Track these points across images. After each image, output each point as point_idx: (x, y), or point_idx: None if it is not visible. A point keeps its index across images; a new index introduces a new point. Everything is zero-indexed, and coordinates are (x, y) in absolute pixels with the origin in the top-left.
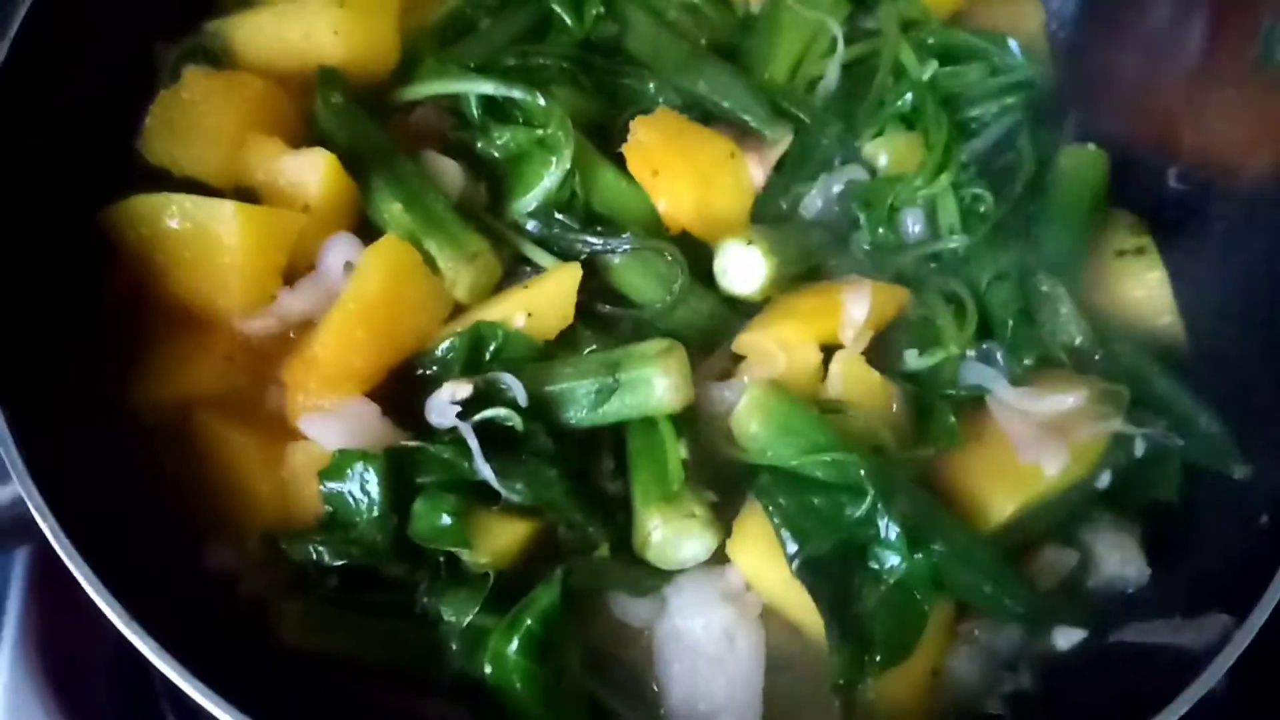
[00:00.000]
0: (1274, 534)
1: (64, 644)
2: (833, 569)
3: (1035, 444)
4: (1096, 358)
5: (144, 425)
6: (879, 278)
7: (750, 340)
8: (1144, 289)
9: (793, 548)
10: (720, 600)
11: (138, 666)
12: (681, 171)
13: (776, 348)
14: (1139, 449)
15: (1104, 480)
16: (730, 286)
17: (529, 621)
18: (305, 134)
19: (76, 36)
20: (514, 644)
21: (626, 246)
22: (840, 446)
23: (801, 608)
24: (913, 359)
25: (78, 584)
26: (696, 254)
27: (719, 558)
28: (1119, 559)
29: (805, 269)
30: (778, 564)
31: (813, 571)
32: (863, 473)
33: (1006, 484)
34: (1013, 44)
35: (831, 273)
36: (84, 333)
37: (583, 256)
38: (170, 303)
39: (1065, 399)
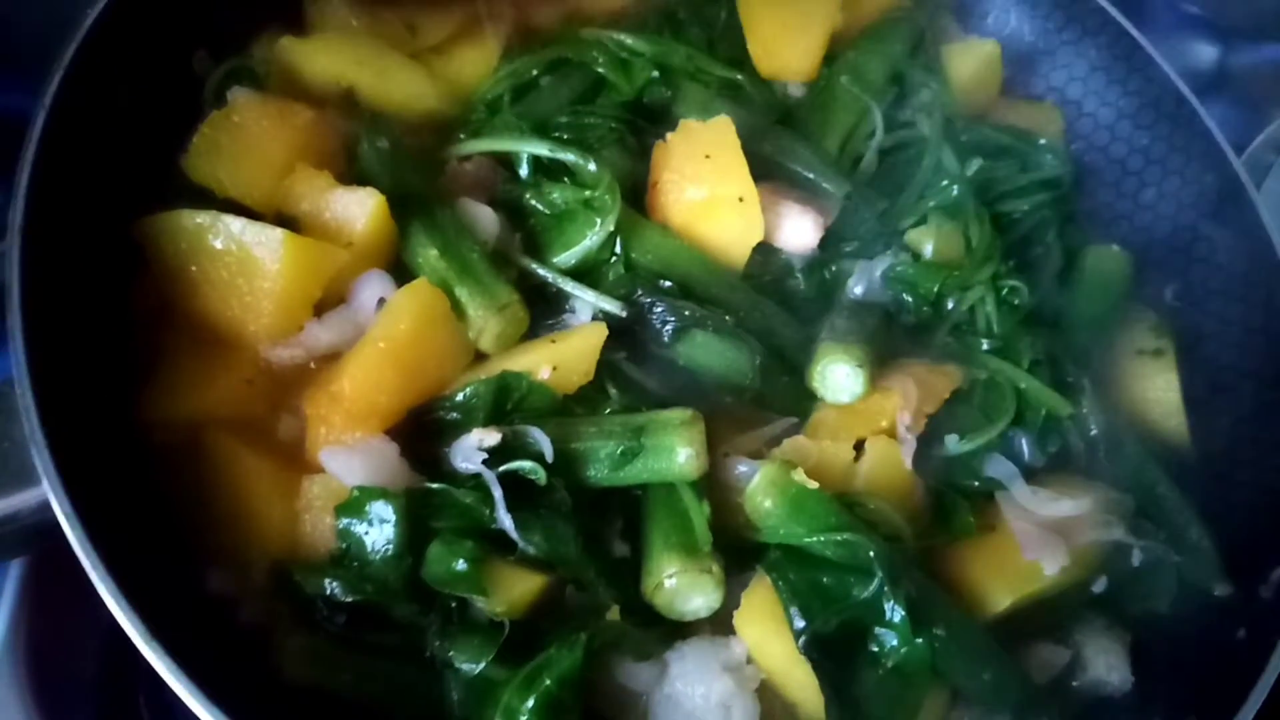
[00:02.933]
0: (1251, 649)
1: (51, 655)
2: (836, 649)
3: (1038, 543)
4: (1107, 452)
5: (159, 441)
6: (926, 358)
7: (791, 444)
8: (1157, 391)
9: (800, 623)
10: (721, 671)
11: (123, 678)
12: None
13: (810, 445)
14: (1136, 559)
15: (1100, 585)
16: (828, 397)
17: (548, 682)
18: (346, 168)
19: (132, 50)
20: (530, 702)
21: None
22: (851, 528)
23: (799, 685)
24: (954, 444)
25: (73, 595)
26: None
27: (723, 629)
28: (1105, 664)
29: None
30: (782, 639)
31: (818, 649)
32: (872, 554)
33: (1007, 578)
34: (1042, 141)
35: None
36: (107, 343)
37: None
38: (197, 321)
39: (1073, 503)
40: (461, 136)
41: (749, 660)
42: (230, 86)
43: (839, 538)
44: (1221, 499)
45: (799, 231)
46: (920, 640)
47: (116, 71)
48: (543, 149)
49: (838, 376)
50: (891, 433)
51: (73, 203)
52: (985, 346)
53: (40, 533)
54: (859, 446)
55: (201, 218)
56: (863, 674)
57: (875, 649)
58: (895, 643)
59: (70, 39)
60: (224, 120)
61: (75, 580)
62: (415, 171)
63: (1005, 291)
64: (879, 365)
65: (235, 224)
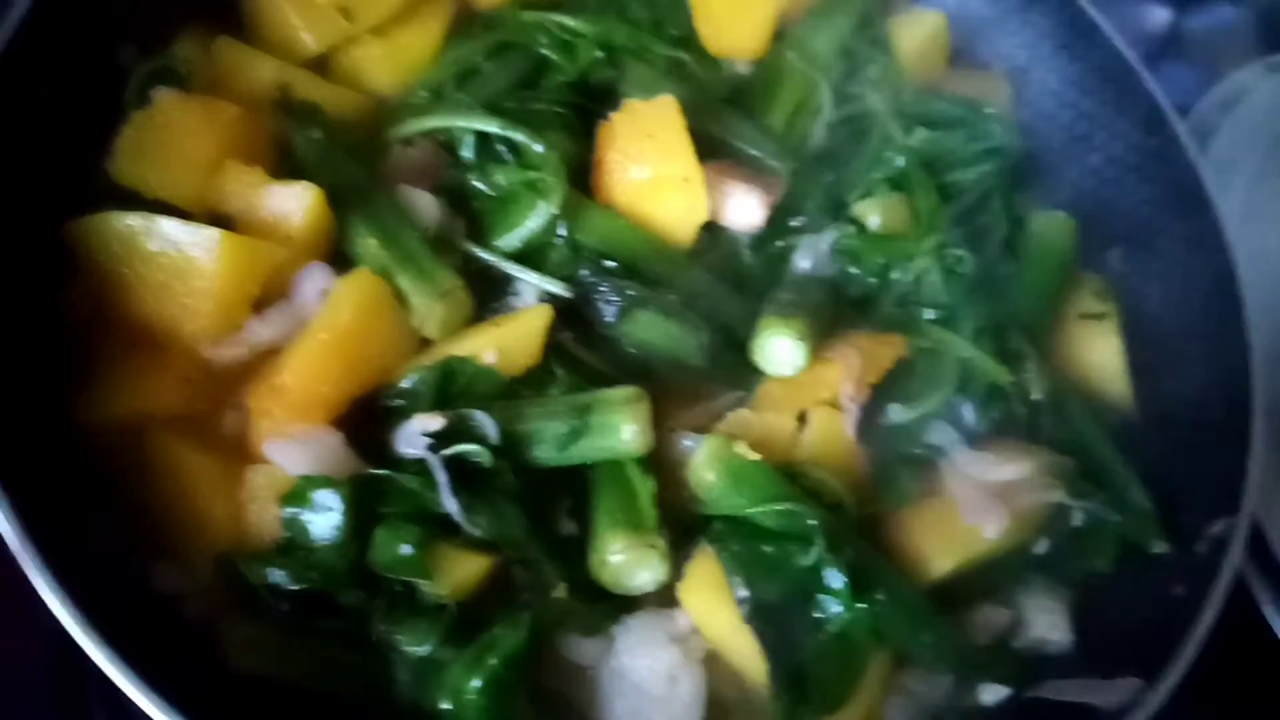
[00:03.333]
0: (1187, 604)
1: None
2: (779, 616)
3: (979, 507)
4: (1050, 416)
5: (99, 442)
6: (870, 328)
7: (742, 416)
8: (1100, 354)
9: (743, 593)
10: (666, 642)
11: (74, 685)
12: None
13: (754, 418)
14: (1077, 520)
15: (1042, 546)
16: (770, 370)
17: (493, 661)
18: (278, 162)
19: (56, 50)
20: (476, 681)
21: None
22: (792, 497)
23: (744, 653)
24: (897, 412)
25: (17, 595)
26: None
27: (668, 601)
28: (1046, 623)
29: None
30: (725, 609)
31: (761, 618)
32: (812, 523)
33: (948, 542)
34: (988, 110)
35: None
36: (42, 346)
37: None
38: (131, 322)
39: (1014, 467)
40: (406, 120)
41: (694, 631)
42: (154, 86)
43: (780, 508)
44: (1161, 460)
45: (745, 209)
46: (862, 605)
47: (41, 72)
48: (493, 125)
49: (779, 349)
50: (834, 403)
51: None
52: (930, 316)
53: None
54: (803, 417)
55: (133, 219)
56: (806, 640)
57: (818, 615)
58: (838, 609)
59: None
60: (148, 120)
61: (19, 585)
62: (352, 161)
63: (950, 261)
64: (822, 336)
65: (168, 225)
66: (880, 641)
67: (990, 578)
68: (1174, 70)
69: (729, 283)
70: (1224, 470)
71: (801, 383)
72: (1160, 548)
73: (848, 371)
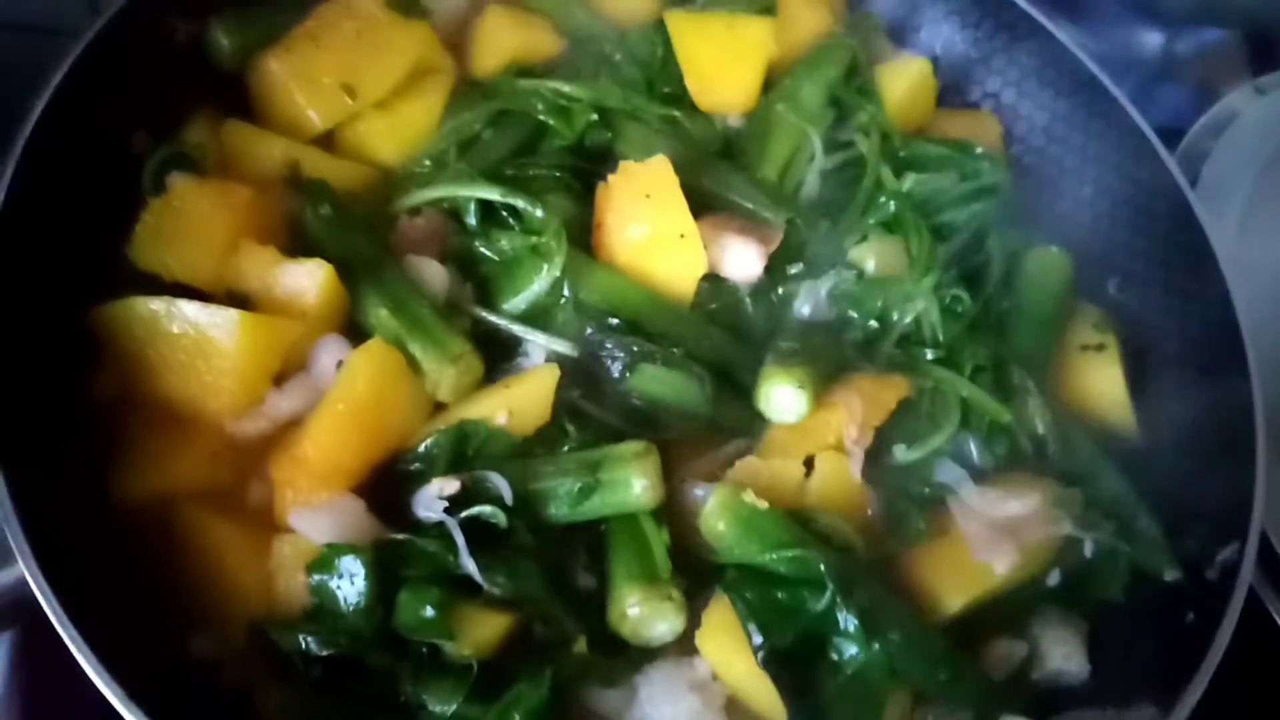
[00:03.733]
0: (1199, 632)
1: None
2: (796, 660)
3: (988, 544)
4: (1057, 450)
5: (130, 518)
6: (872, 370)
7: (745, 465)
8: (1102, 384)
9: (758, 639)
10: (687, 691)
11: None
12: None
13: (762, 465)
14: (1088, 550)
15: (1054, 578)
16: (774, 418)
17: (517, 717)
18: (291, 238)
19: (75, 140)
20: None
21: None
22: (802, 543)
23: (763, 699)
24: (901, 453)
25: (61, 669)
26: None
27: (687, 650)
28: (1062, 654)
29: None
30: (743, 655)
31: (777, 662)
32: (823, 567)
33: (958, 580)
34: (977, 150)
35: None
36: (69, 429)
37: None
38: (157, 401)
39: (1020, 503)
40: (411, 190)
41: (713, 678)
42: (168, 172)
43: (790, 554)
44: (1168, 486)
45: (743, 261)
46: (876, 646)
47: (59, 163)
48: (494, 193)
49: (782, 398)
50: (840, 447)
51: (24, 295)
52: (930, 356)
53: (19, 610)
54: (810, 463)
55: (156, 304)
56: (824, 682)
57: (834, 657)
58: (853, 651)
59: (16, 133)
60: (165, 207)
61: (63, 655)
62: (362, 234)
63: (948, 301)
64: (825, 382)
65: (189, 308)
66: (896, 680)
67: (1004, 611)
68: (1168, 93)
69: (731, 332)
70: (1231, 493)
71: (807, 428)
72: (1172, 575)
73: (851, 415)
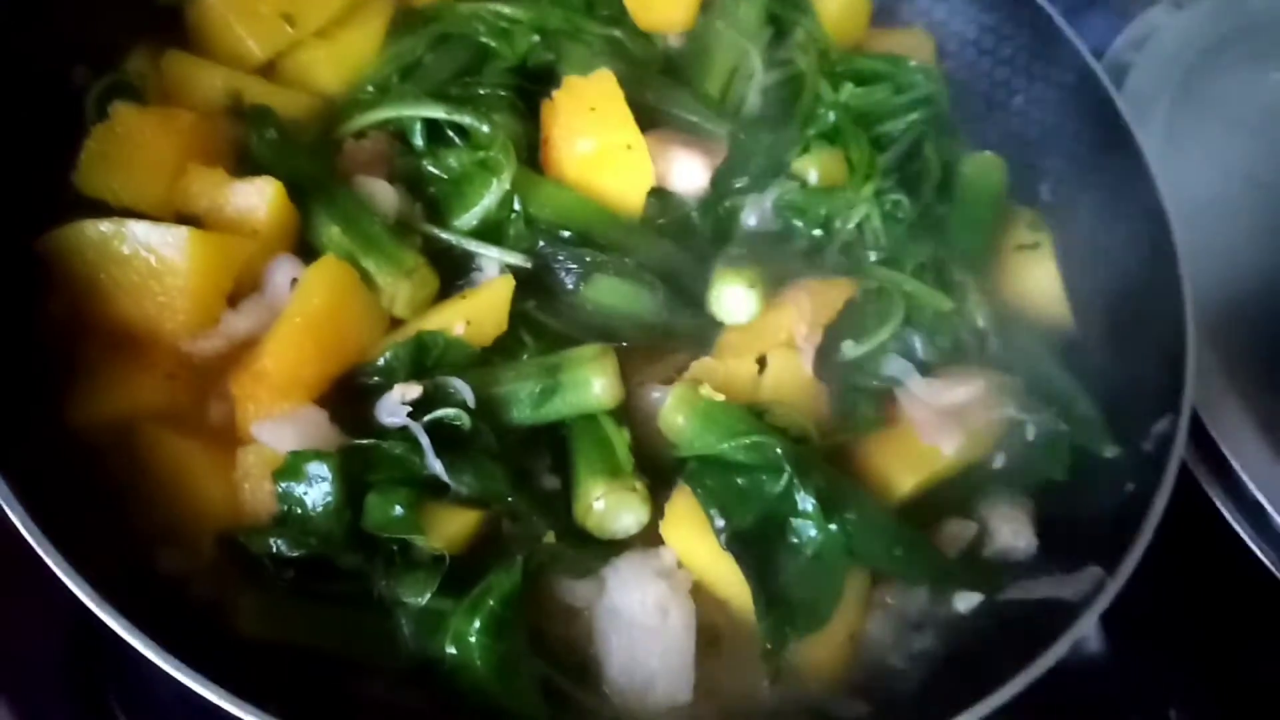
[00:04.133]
0: (1138, 499)
1: (13, 646)
2: (757, 543)
3: (935, 428)
4: (997, 342)
5: (91, 441)
6: (819, 275)
7: (699, 366)
8: (1038, 280)
9: (720, 523)
10: (654, 577)
11: (90, 669)
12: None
13: (716, 365)
14: (1030, 433)
15: (999, 461)
16: (726, 318)
17: (491, 603)
18: (237, 163)
19: (8, 78)
20: (476, 623)
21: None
22: (759, 431)
23: (728, 582)
24: (850, 349)
25: (27, 585)
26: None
27: (652, 540)
28: (1011, 531)
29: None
30: (706, 542)
31: (740, 544)
32: (780, 451)
33: (909, 462)
34: (911, 64)
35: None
36: (29, 352)
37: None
38: (111, 325)
39: (965, 389)
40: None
41: (679, 565)
42: (111, 100)
43: (748, 441)
44: (1105, 370)
45: (689, 173)
46: (834, 526)
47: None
48: (439, 111)
49: (733, 298)
50: (791, 345)
51: None
52: (873, 258)
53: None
54: (763, 361)
55: (105, 226)
56: (786, 563)
57: (794, 540)
58: (811, 532)
59: None
60: (108, 133)
61: (30, 574)
62: (308, 156)
63: (889, 206)
64: (773, 284)
65: (139, 228)
66: (854, 559)
67: (954, 494)
68: (1093, 18)
69: (681, 245)
70: (1163, 372)
71: (758, 328)
72: (1111, 452)
73: (800, 314)
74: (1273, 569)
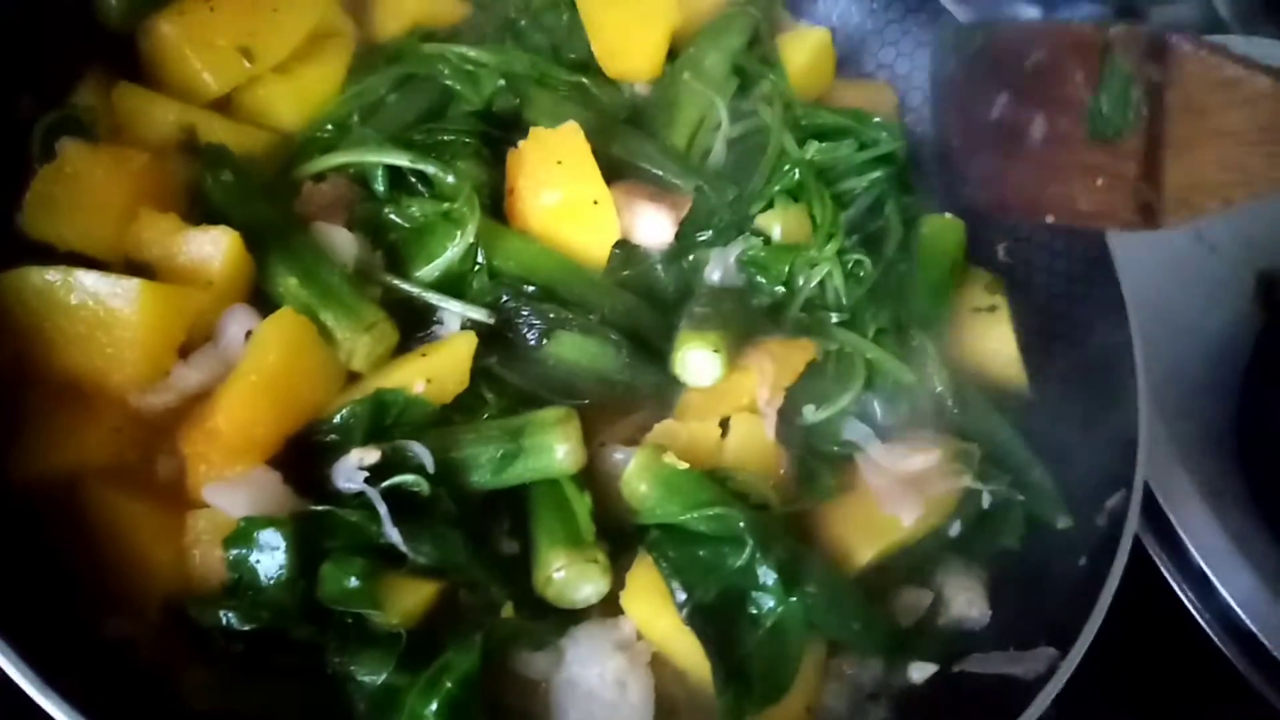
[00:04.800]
0: (1091, 576)
1: None
2: (718, 616)
3: (895, 497)
4: (955, 407)
5: (33, 497)
6: (781, 334)
7: (663, 428)
8: (994, 343)
9: (681, 596)
10: (613, 649)
11: None
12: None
13: (680, 428)
14: (986, 502)
15: (955, 529)
16: (690, 380)
17: (449, 684)
18: (190, 206)
19: None
20: (433, 705)
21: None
22: (721, 502)
23: (687, 654)
24: (810, 413)
25: None
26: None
27: (612, 610)
28: (965, 599)
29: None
30: (667, 613)
31: (701, 618)
32: (742, 525)
33: (868, 532)
34: (875, 120)
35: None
36: None
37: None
38: (55, 375)
39: (923, 458)
40: (314, 156)
41: (639, 637)
42: (58, 137)
43: (710, 512)
44: (1058, 438)
45: (655, 227)
46: (794, 599)
47: None
48: (403, 159)
49: (697, 362)
50: (753, 408)
51: None
52: (835, 319)
53: None
54: (725, 425)
55: (51, 274)
56: (745, 636)
57: (754, 611)
58: (771, 604)
59: None
60: (57, 173)
61: None
62: (265, 200)
63: (851, 265)
64: (737, 346)
65: (88, 278)
66: (813, 630)
67: (910, 562)
68: None
69: (644, 299)
70: (1116, 444)
71: (721, 391)
72: (1064, 523)
73: (763, 378)
74: (1216, 640)
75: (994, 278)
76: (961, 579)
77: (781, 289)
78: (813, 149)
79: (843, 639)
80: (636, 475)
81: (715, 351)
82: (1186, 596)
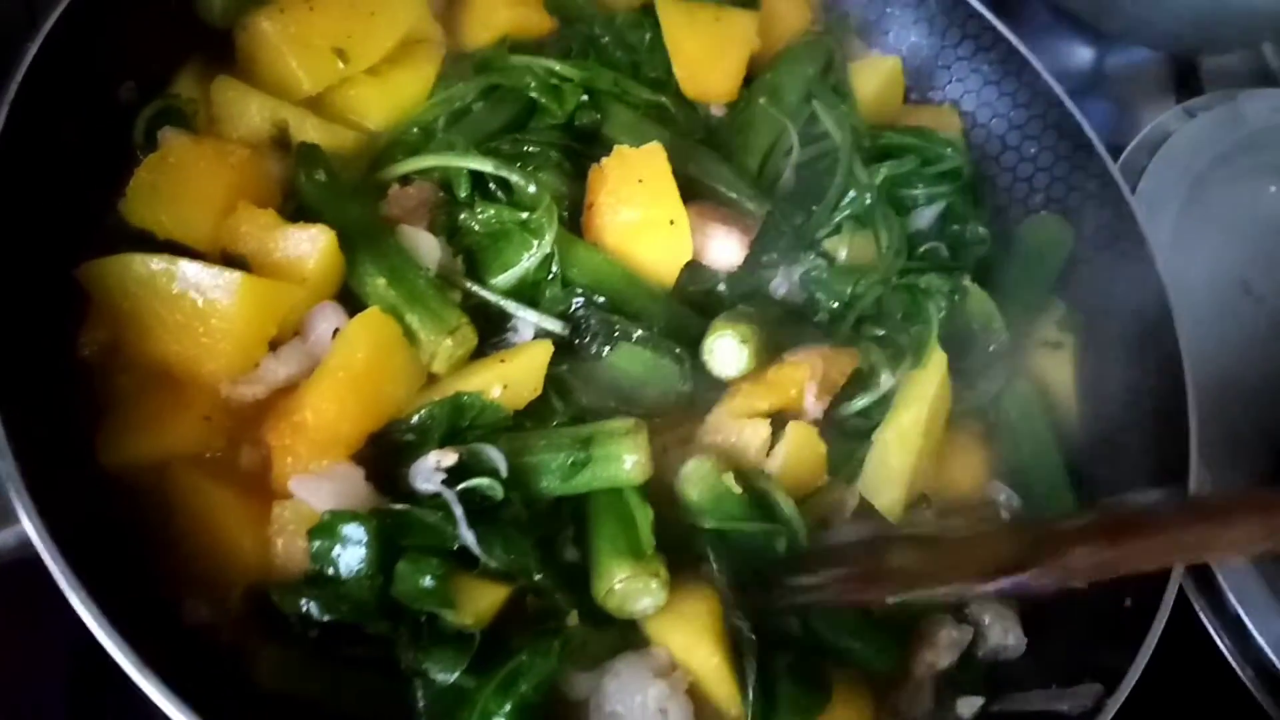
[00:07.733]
0: (1137, 615)
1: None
2: (755, 636)
3: None
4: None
5: (123, 481)
6: (832, 343)
7: (716, 420)
8: (1054, 382)
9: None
10: (652, 677)
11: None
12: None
13: (733, 424)
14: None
15: None
16: (715, 369)
17: (524, 687)
18: (284, 202)
19: (57, 93)
20: (507, 706)
21: (637, 335)
22: (765, 519)
23: (720, 682)
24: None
25: (34, 609)
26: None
27: (649, 640)
28: (1001, 629)
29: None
30: (703, 643)
31: (740, 636)
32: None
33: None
34: (940, 136)
35: (793, 342)
36: (68, 385)
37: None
38: (150, 361)
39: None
40: (400, 158)
41: (674, 665)
42: (160, 127)
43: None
44: (1106, 480)
45: (725, 249)
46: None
47: (48, 113)
48: (489, 166)
49: (724, 349)
50: (799, 402)
51: (10, 245)
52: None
53: (18, 568)
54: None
55: (156, 263)
56: (777, 665)
57: (787, 634)
58: (800, 630)
59: (8, 79)
60: (159, 163)
61: (36, 600)
62: (355, 201)
63: (908, 285)
64: (770, 344)
65: (190, 269)
66: (843, 657)
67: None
68: (1096, 106)
69: (707, 315)
70: (1164, 489)
71: (770, 381)
72: None
73: (814, 373)
74: (1250, 686)
75: (1069, 313)
76: (994, 608)
77: (837, 304)
78: (883, 172)
79: (847, 659)
80: (690, 482)
81: (743, 341)
82: (1223, 641)
